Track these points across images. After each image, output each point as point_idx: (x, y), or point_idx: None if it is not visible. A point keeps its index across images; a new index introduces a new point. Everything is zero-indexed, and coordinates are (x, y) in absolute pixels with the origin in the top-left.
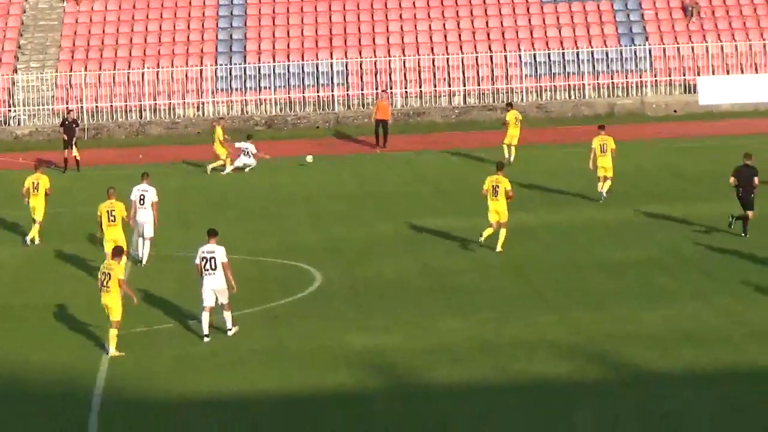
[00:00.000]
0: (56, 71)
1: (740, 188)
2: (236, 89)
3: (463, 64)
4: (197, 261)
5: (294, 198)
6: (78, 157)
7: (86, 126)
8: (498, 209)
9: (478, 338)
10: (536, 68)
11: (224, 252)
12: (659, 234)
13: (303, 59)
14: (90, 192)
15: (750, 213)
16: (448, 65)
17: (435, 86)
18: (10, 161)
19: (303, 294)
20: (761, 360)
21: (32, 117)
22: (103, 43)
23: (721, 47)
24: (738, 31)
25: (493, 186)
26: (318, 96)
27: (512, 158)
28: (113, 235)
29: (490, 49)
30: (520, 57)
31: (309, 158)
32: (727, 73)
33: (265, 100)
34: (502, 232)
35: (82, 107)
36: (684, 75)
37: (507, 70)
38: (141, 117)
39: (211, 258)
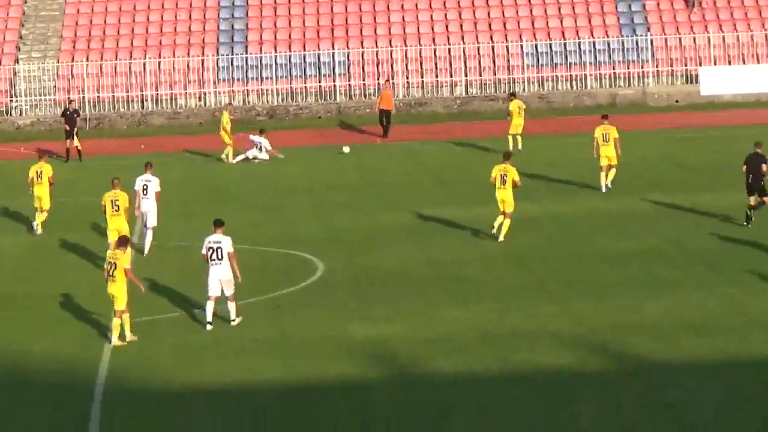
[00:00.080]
0: (58, 61)
1: (750, 175)
2: (238, 79)
3: (464, 54)
4: (203, 251)
5: (296, 188)
6: (79, 148)
7: (88, 116)
8: (504, 198)
9: (480, 328)
10: (538, 58)
11: (230, 242)
12: (662, 224)
13: (305, 49)
14: (92, 182)
15: (766, 198)
16: (450, 55)
17: (437, 76)
18: (12, 151)
19: (305, 284)
20: (765, 349)
21: (34, 107)
22: (104, 33)
23: (723, 37)
24: (740, 22)
25: (501, 175)
26: (320, 86)
27: (521, 147)
28: (116, 225)
29: (491, 39)
30: (521, 47)
31: (346, 149)
32: (729, 63)
33: (266, 90)
34: (506, 222)
35: (83, 97)
36: (686, 65)
37: (509, 60)
38: (143, 107)
39: (217, 248)
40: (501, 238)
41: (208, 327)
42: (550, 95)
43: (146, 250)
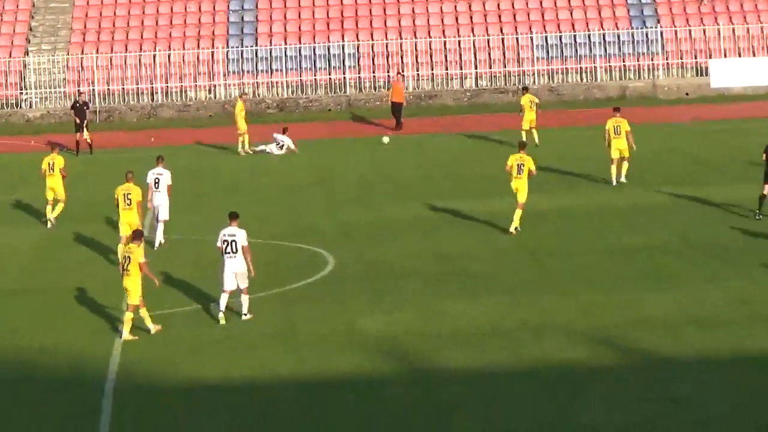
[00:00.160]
0: (67, 54)
1: None
2: (248, 72)
3: (474, 46)
4: (219, 243)
5: (306, 181)
6: (89, 140)
7: (98, 109)
8: (519, 187)
9: (489, 322)
10: (548, 51)
11: (245, 235)
12: (671, 217)
13: (314, 42)
14: (102, 175)
15: None
16: (460, 48)
17: (446, 69)
18: (23, 144)
19: (315, 278)
20: None
21: (44, 100)
22: (114, 26)
23: (733, 30)
24: (750, 14)
25: (517, 164)
26: (330, 79)
27: (537, 141)
28: (128, 219)
29: (501, 31)
30: (531, 39)
31: (385, 139)
32: (739, 55)
33: (276, 82)
34: (518, 213)
35: (93, 90)
36: (696, 58)
37: (518, 52)
38: (153, 100)
39: (232, 241)
40: (512, 228)
41: (221, 320)
42: (560, 88)
43: (157, 244)
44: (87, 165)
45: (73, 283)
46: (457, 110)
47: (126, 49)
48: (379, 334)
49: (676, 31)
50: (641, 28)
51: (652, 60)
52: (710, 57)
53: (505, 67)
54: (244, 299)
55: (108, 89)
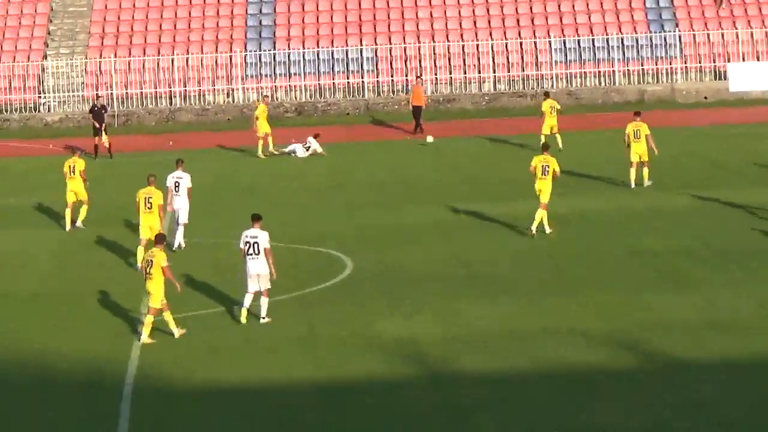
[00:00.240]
0: (86, 57)
1: None
2: (266, 76)
3: (492, 50)
4: (241, 245)
5: (325, 185)
6: (107, 144)
7: (116, 113)
8: (543, 188)
9: (508, 325)
10: (566, 54)
11: (267, 237)
12: (690, 221)
13: (333, 45)
14: (120, 179)
15: None
16: (478, 51)
17: (465, 73)
18: (41, 148)
19: (334, 281)
20: None
21: (62, 104)
22: (132, 30)
23: (752, 33)
24: None
25: (542, 165)
26: (348, 82)
27: (561, 146)
28: (149, 222)
29: (520, 35)
30: (550, 43)
31: (429, 139)
32: (758, 59)
33: (294, 86)
34: (542, 213)
35: (111, 94)
36: (714, 61)
37: (537, 56)
38: (171, 104)
39: (254, 243)
40: (533, 228)
41: (242, 319)
42: (579, 91)
43: (176, 246)
44: (105, 169)
45: (92, 287)
46: (475, 114)
47: (144, 53)
48: (397, 338)
49: (694, 35)
50: (660, 32)
51: (670, 64)
52: (729, 61)
53: (523, 70)
54: (264, 302)
55: (126, 93)
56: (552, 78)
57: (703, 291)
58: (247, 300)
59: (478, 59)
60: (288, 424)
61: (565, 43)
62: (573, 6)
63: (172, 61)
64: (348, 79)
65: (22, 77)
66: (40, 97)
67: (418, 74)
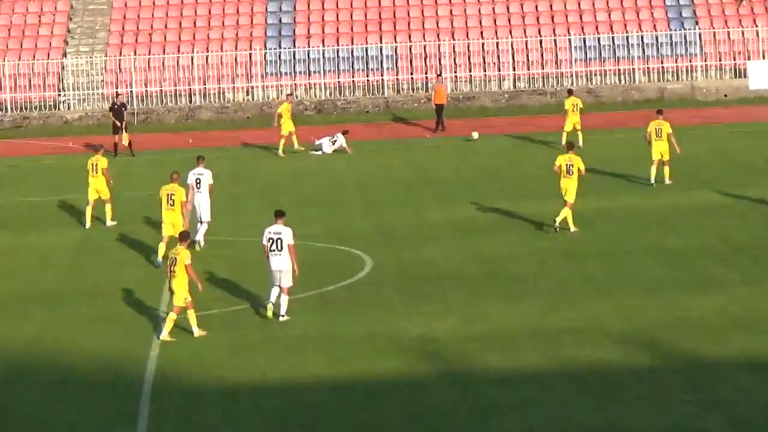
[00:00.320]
0: (105, 55)
1: None
2: (285, 73)
3: (512, 48)
4: (264, 242)
5: (345, 183)
6: (126, 142)
7: (136, 110)
8: (568, 187)
9: (529, 324)
10: (586, 52)
11: (291, 234)
12: (710, 220)
13: (352, 43)
14: (140, 177)
15: None
16: (498, 49)
17: (485, 70)
18: (61, 146)
19: (354, 280)
20: None
21: (82, 101)
22: (152, 27)
23: None
24: None
25: (567, 164)
26: (367, 80)
27: (581, 143)
28: (172, 219)
29: (539, 33)
30: (569, 41)
31: (475, 135)
32: None
33: (314, 84)
34: (566, 212)
35: (131, 91)
36: (734, 59)
37: (557, 54)
38: (190, 101)
39: (277, 239)
40: (572, 228)
41: (268, 312)
42: (598, 89)
43: (198, 243)
44: (125, 167)
45: (111, 284)
46: (495, 112)
47: (164, 51)
48: (417, 336)
49: (714, 33)
50: (679, 30)
51: (690, 62)
52: (749, 59)
53: (543, 68)
54: (284, 300)
55: (146, 91)
56: (572, 76)
57: (724, 290)
58: (273, 294)
59: (498, 57)
60: (308, 422)
61: (585, 40)
62: (593, 3)
63: (192, 58)
64: (368, 77)
65: (42, 75)
66: (60, 95)
67: (438, 72)
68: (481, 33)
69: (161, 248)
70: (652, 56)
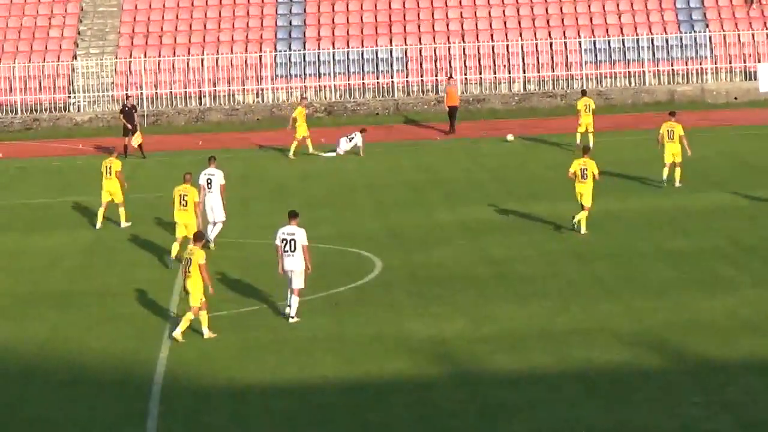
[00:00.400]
0: (116, 57)
1: None
2: (296, 76)
3: (522, 50)
4: (277, 242)
5: (355, 185)
6: (135, 144)
7: (146, 112)
8: (584, 191)
9: (538, 326)
10: (596, 55)
11: (305, 234)
12: (720, 222)
13: (363, 46)
14: (150, 178)
15: None
16: (508, 52)
17: (495, 73)
18: (71, 147)
19: (363, 281)
20: None
21: (92, 103)
22: (162, 29)
23: None
24: None
25: (581, 169)
26: (377, 82)
27: (592, 144)
28: (184, 220)
29: (549, 35)
30: (580, 44)
31: (510, 137)
32: None
33: (324, 86)
34: (583, 214)
35: (141, 94)
36: (744, 62)
37: (567, 56)
38: (200, 103)
39: (291, 240)
40: (583, 230)
41: (287, 313)
42: (609, 92)
43: (210, 244)
44: (135, 169)
45: (122, 285)
46: (505, 114)
47: (174, 53)
48: (426, 338)
49: (724, 35)
50: (690, 32)
51: (700, 64)
52: (759, 61)
53: (553, 71)
54: (294, 301)
55: (156, 93)
56: (582, 78)
57: (733, 291)
58: (289, 295)
59: (508, 59)
60: (317, 423)
61: (595, 43)
62: (603, 6)
63: (202, 61)
64: (378, 79)
65: (52, 77)
66: (69, 97)
67: (449, 75)
68: (492, 35)
69: (174, 248)
70: (662, 59)
